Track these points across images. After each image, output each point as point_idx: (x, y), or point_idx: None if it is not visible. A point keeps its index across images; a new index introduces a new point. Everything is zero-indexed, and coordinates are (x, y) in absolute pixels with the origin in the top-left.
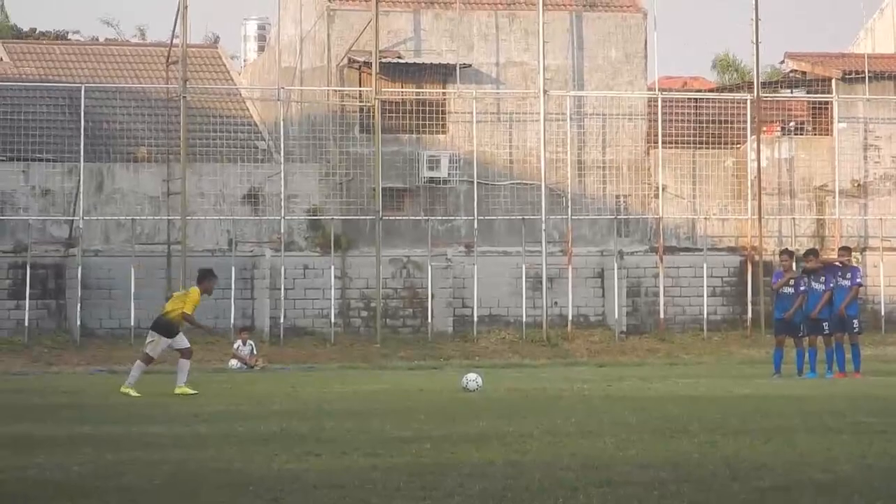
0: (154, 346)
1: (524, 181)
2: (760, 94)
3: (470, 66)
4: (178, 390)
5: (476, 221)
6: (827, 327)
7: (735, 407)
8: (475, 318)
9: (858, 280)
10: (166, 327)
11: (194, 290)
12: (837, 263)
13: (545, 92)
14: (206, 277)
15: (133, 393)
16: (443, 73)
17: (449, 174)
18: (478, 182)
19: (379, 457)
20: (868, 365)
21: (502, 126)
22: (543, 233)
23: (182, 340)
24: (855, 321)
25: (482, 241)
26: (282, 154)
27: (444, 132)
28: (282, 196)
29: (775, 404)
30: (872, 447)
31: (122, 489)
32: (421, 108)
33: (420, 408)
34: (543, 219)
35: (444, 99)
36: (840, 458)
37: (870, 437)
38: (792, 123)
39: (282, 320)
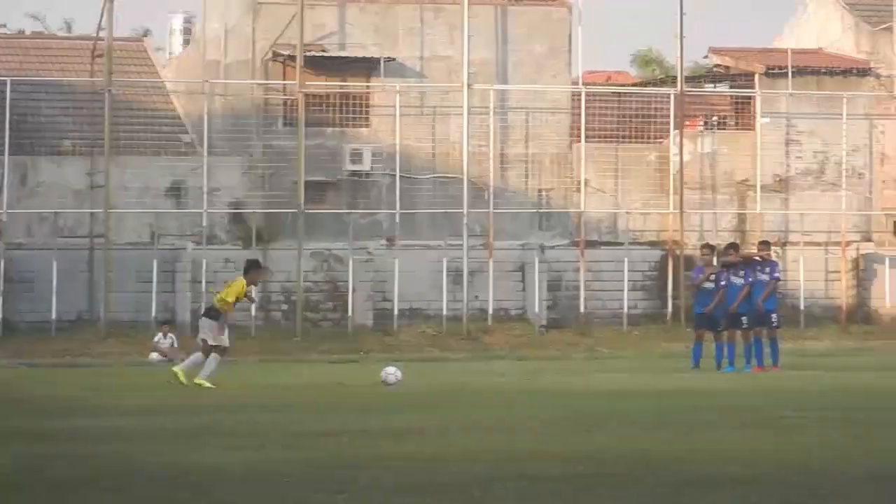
0: (208, 332)
1: (447, 175)
2: (684, 89)
3: (394, 59)
4: (192, 379)
5: (398, 215)
6: (746, 321)
7: (654, 401)
8: (396, 312)
9: (777, 274)
10: (210, 312)
11: (239, 280)
12: (757, 258)
13: (469, 86)
14: (252, 268)
15: (208, 384)
16: (367, 67)
17: (371, 168)
18: (400, 176)
19: (297, 450)
20: (786, 359)
21: (426, 120)
22: (465, 227)
23: (223, 335)
24: (773, 315)
25: (404, 235)
26: (205, 147)
27: (367, 126)
28: (204, 189)
29: (694, 399)
30: (790, 441)
31: (48, 483)
32: (344, 101)
33: (339, 401)
34: (465, 213)
35: (368, 92)
36: (757, 452)
37: (787, 431)
38: (715, 118)
39: (202, 313)
